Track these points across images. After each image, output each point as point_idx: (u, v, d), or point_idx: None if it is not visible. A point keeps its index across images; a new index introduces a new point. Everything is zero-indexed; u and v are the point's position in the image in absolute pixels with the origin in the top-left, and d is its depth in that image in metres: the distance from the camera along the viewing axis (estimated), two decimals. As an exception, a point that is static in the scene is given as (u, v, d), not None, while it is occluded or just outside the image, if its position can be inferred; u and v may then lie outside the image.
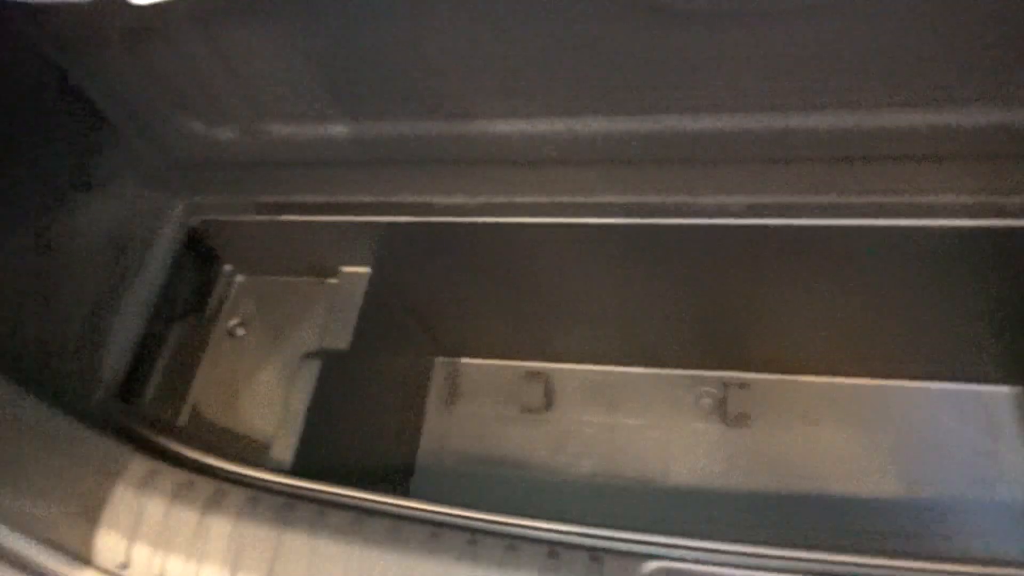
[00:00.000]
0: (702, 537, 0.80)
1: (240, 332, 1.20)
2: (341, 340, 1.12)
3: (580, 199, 1.04)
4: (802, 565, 0.77)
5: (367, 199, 1.10)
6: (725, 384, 1.29)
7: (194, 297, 1.19)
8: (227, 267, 1.24)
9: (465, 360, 1.39)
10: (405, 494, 1.25)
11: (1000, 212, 0.94)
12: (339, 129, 1.00)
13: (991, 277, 1.03)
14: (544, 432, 1.30)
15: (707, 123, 0.91)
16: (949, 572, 0.76)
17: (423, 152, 1.01)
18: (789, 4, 0.74)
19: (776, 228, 0.99)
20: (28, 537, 0.80)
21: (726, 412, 1.26)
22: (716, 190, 0.99)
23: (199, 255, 1.19)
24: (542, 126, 0.94)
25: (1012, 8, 0.72)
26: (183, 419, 1.11)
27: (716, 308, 1.20)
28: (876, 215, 0.95)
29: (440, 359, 1.40)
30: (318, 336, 1.13)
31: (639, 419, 1.29)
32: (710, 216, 0.99)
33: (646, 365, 1.33)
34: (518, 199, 1.05)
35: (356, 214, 1.09)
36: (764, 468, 1.21)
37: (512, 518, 0.84)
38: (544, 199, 1.04)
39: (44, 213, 1.04)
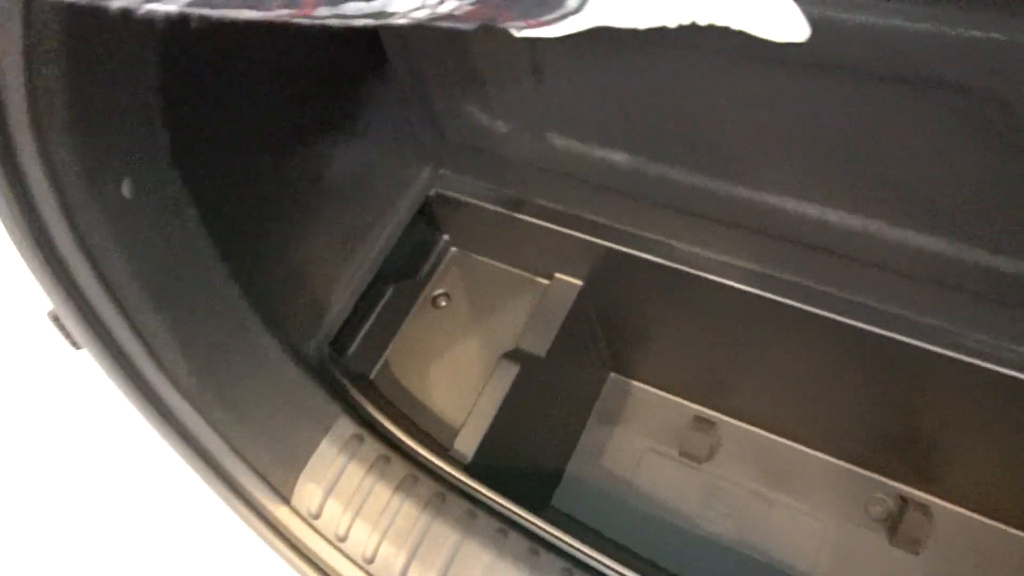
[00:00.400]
0: None
1: (443, 303, 1.24)
2: (541, 345, 1.13)
3: (817, 286, 0.99)
4: None
5: (603, 221, 1.09)
6: (904, 499, 1.21)
7: (412, 260, 1.24)
8: (445, 237, 1.28)
9: (638, 384, 1.38)
10: (548, 499, 1.30)
11: None
12: (608, 155, 0.99)
13: None
14: (698, 481, 1.28)
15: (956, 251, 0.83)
16: None
17: (680, 198, 0.98)
18: None
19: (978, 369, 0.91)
20: (245, 466, 0.89)
21: (897, 530, 1.19)
22: (985, 331, 0.91)
23: (427, 221, 1.23)
24: (811, 210, 0.89)
25: None
26: (374, 375, 1.18)
27: (911, 416, 1.12)
28: None
29: (614, 375, 1.39)
30: (518, 333, 1.16)
31: (799, 502, 1.24)
32: (947, 349, 0.92)
33: (822, 450, 1.27)
34: (753, 266, 1.01)
35: (591, 234, 1.09)
36: (921, 602, 1.15)
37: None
38: (780, 275, 0.99)
39: (319, 145, 1.10)
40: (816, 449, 1.27)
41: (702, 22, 0.61)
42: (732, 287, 1.04)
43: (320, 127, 1.12)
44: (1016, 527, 1.17)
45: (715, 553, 1.23)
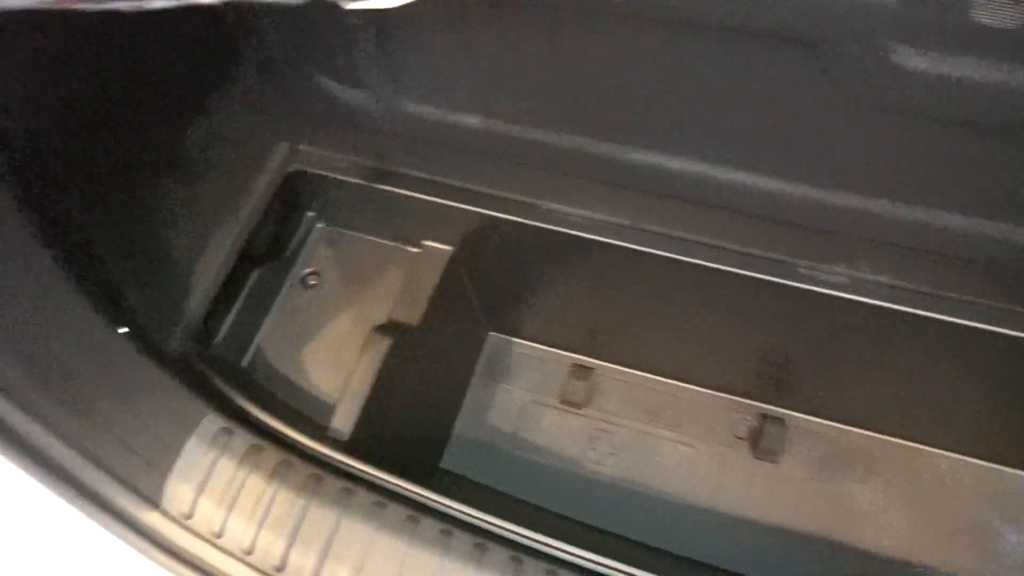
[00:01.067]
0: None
1: (313, 282, 1.22)
2: (412, 314, 1.14)
3: (678, 234, 1.04)
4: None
5: (468, 186, 1.10)
6: (764, 416, 1.32)
7: (276, 241, 1.20)
8: (309, 214, 1.25)
9: (516, 340, 1.42)
10: (437, 460, 1.32)
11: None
12: (466, 120, 0.99)
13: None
14: (579, 427, 1.34)
15: (861, 203, 0.90)
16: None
17: (540, 158, 1.00)
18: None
19: (832, 297, 1.00)
20: (107, 476, 0.86)
21: (758, 444, 1.29)
22: (822, 259, 0.99)
23: (289, 200, 1.20)
24: (674, 164, 0.93)
25: None
26: (246, 362, 1.15)
27: (766, 344, 1.22)
28: (937, 310, 0.96)
29: (492, 334, 1.42)
30: (390, 304, 1.16)
31: (673, 432, 1.33)
32: (803, 281, 0.99)
33: (691, 382, 1.35)
34: (618, 220, 1.05)
35: (456, 199, 1.09)
36: (781, 505, 1.26)
37: (521, 528, 0.88)
38: (645, 227, 1.04)
39: (167, 127, 1.04)
40: (685, 382, 1.36)
41: None
42: (597, 240, 1.07)
43: (168, 108, 1.06)
44: (850, 425, 1.31)
45: (600, 490, 1.30)
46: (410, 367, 1.14)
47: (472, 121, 0.95)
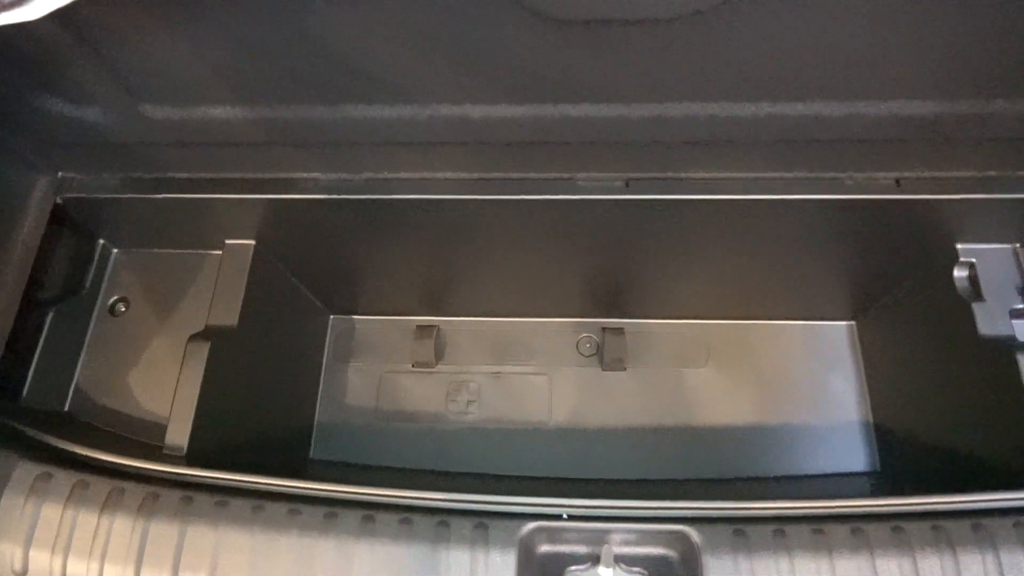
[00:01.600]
0: (574, 493, 0.91)
1: (122, 309, 1.18)
2: (229, 315, 1.12)
3: (464, 175, 1.07)
4: (653, 512, 0.89)
5: (248, 175, 1.08)
6: (604, 330, 1.39)
7: (69, 277, 1.15)
8: (101, 242, 1.20)
9: (358, 318, 1.42)
10: (306, 453, 1.32)
11: (836, 187, 1.05)
12: (217, 111, 0.97)
13: (825, 237, 1.16)
14: (435, 384, 1.38)
15: (588, 111, 0.95)
16: (796, 508, 0.91)
17: (306, 134, 1.00)
18: (650, 14, 0.77)
19: (647, 201, 1.06)
20: (-81, 553, 0.81)
21: (603, 356, 1.37)
22: (595, 168, 1.04)
23: (71, 232, 1.14)
24: (426, 112, 0.95)
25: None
26: (68, 406, 1.11)
27: (593, 264, 1.28)
28: (731, 191, 1.04)
29: (333, 318, 1.42)
30: (205, 311, 1.13)
31: (524, 367, 1.39)
32: (589, 193, 1.05)
33: (530, 315, 1.41)
34: (402, 175, 1.07)
35: (237, 191, 1.08)
36: (636, 407, 1.35)
37: (405, 491, 0.91)
38: (428, 175, 1.06)
39: None
40: (525, 316, 1.42)
41: None
42: (391, 200, 1.08)
43: None
44: (683, 318, 1.42)
45: (468, 438, 1.35)
46: (240, 367, 1.13)
47: (217, 111, 0.94)
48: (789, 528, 0.88)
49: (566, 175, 1.05)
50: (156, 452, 0.99)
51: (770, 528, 0.88)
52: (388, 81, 0.89)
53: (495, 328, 1.41)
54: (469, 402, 1.36)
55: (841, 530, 0.87)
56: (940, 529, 0.87)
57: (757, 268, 1.27)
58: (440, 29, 0.81)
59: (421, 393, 1.37)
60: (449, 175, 1.04)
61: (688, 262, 1.24)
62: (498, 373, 1.38)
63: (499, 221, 1.12)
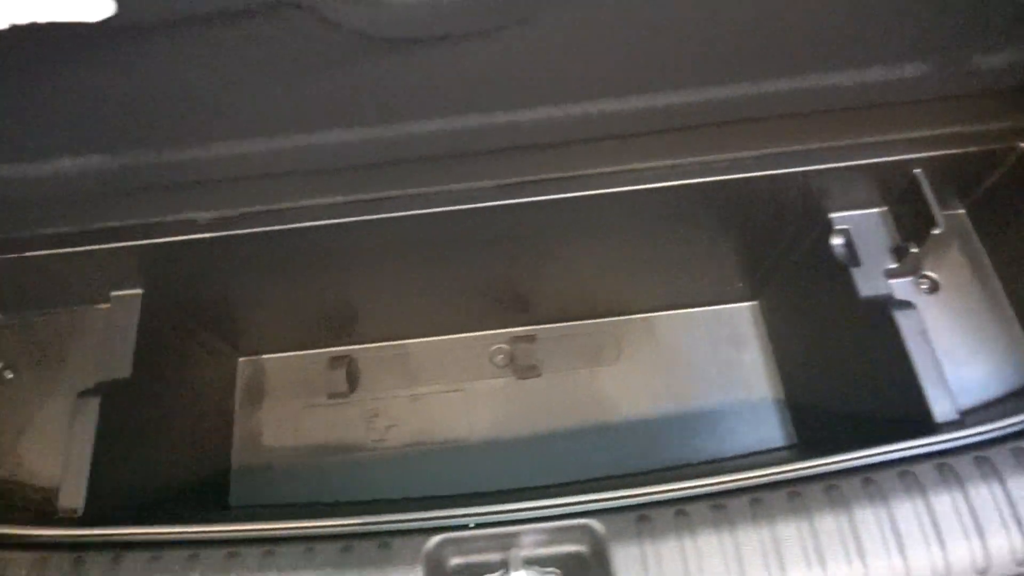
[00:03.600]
0: (479, 503, 0.91)
1: (9, 376, 1.14)
2: (121, 368, 1.09)
3: (339, 199, 1.07)
4: (558, 510, 0.90)
5: (123, 223, 1.06)
6: (514, 339, 1.40)
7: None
8: (-22, 310, 1.16)
9: (267, 356, 1.40)
10: (224, 500, 1.29)
11: (706, 170, 1.08)
12: (72, 163, 0.96)
13: (709, 220, 1.19)
14: (353, 413, 1.36)
15: (444, 124, 0.96)
16: (695, 487, 0.92)
17: (171, 175, 0.99)
18: (478, 27, 0.79)
19: (521, 204, 1.08)
20: None
21: (516, 365, 1.38)
22: (465, 178, 1.06)
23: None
24: (281, 142, 0.95)
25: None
26: (-43, 481, 1.06)
27: (493, 275, 1.30)
28: (599, 186, 1.06)
29: (241, 359, 1.40)
30: (95, 367, 1.10)
31: (439, 385, 1.39)
32: (462, 202, 1.06)
33: (441, 333, 1.41)
34: (276, 206, 1.06)
35: (113, 241, 1.06)
36: (553, 412, 1.35)
37: (306, 522, 0.90)
38: (301, 203, 1.06)
39: None
40: (434, 335, 1.42)
41: (22, 21, 0.60)
42: (274, 231, 1.07)
43: None
44: (588, 318, 1.44)
45: (391, 463, 1.33)
46: (139, 419, 1.10)
47: (78, 162, 0.93)
48: (690, 507, 0.89)
49: (439, 188, 1.06)
50: (49, 517, 0.96)
51: (672, 510, 0.89)
52: (241, 116, 0.90)
53: (406, 350, 1.41)
54: (388, 427, 1.35)
55: (740, 503, 0.89)
56: (834, 487, 0.90)
57: (650, 259, 1.30)
58: (275, 61, 0.82)
59: (339, 424, 1.36)
60: (321, 201, 1.04)
61: (581, 261, 1.27)
62: (414, 395, 1.38)
63: (382, 241, 1.13)
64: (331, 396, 1.36)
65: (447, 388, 1.38)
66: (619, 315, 1.44)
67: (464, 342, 1.41)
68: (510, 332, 1.42)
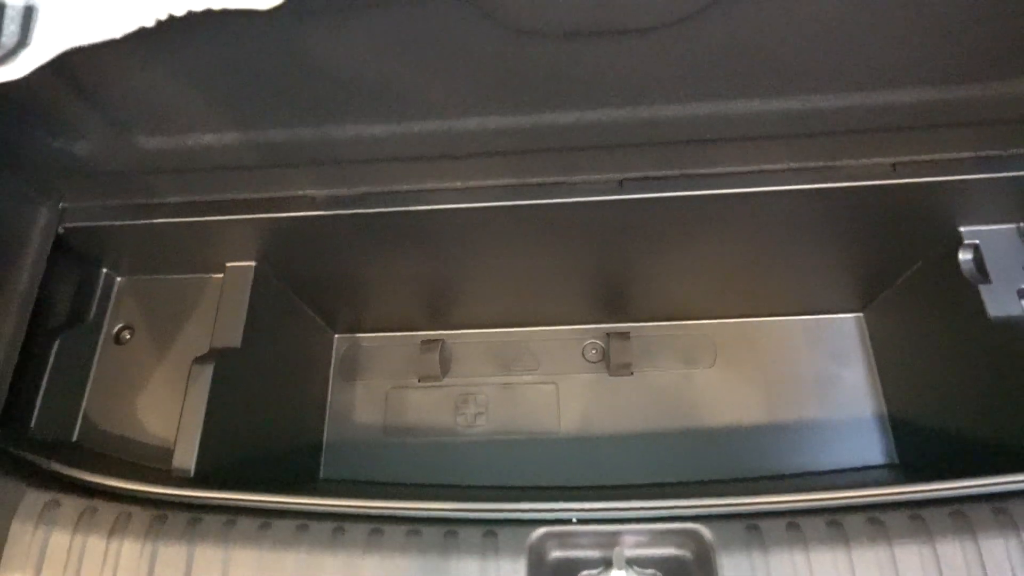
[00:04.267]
0: (583, 498, 0.90)
1: (127, 337, 1.19)
2: (232, 337, 1.13)
3: (459, 184, 1.07)
4: (664, 512, 0.88)
5: (245, 196, 1.09)
6: (608, 335, 1.39)
7: (74, 306, 1.16)
8: (104, 271, 1.21)
9: (363, 335, 1.42)
10: (316, 472, 1.32)
11: (828, 176, 1.04)
12: (209, 138, 0.98)
13: (826, 227, 1.15)
14: (442, 397, 1.37)
15: (578, 117, 0.95)
16: (810, 500, 0.89)
17: (299, 154, 1.01)
18: (633, 24, 0.77)
19: (642, 200, 1.06)
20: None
21: (610, 362, 1.36)
22: (589, 171, 1.04)
23: (74, 262, 1.15)
24: (416, 127, 0.95)
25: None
26: (76, 436, 1.11)
27: (596, 269, 1.28)
28: (726, 185, 1.03)
29: (338, 336, 1.43)
30: (208, 334, 1.14)
31: (531, 376, 1.38)
32: (585, 195, 1.05)
33: (535, 324, 1.40)
34: (397, 188, 1.07)
35: (234, 213, 1.09)
36: (645, 411, 1.33)
37: (411, 503, 0.90)
38: (422, 187, 1.07)
39: None
40: (530, 326, 1.41)
41: (179, 12, 0.62)
42: (389, 212, 1.08)
43: None
44: (687, 319, 1.41)
45: (478, 450, 1.34)
46: (245, 387, 1.13)
47: (214, 138, 0.95)
48: (803, 521, 0.86)
49: (561, 179, 1.05)
50: (164, 475, 0.99)
51: (783, 522, 0.86)
52: (378, 100, 0.90)
53: (500, 338, 1.41)
54: (477, 414, 1.35)
55: (857, 520, 0.85)
56: (960, 515, 0.85)
57: (760, 263, 1.26)
58: (423, 48, 0.82)
59: (429, 407, 1.37)
60: (443, 185, 1.04)
61: (690, 261, 1.24)
62: (505, 384, 1.37)
63: (496, 229, 1.12)
64: (422, 379, 1.38)
65: (538, 379, 1.37)
66: (717, 318, 1.40)
67: (558, 334, 1.40)
68: (605, 328, 1.40)
